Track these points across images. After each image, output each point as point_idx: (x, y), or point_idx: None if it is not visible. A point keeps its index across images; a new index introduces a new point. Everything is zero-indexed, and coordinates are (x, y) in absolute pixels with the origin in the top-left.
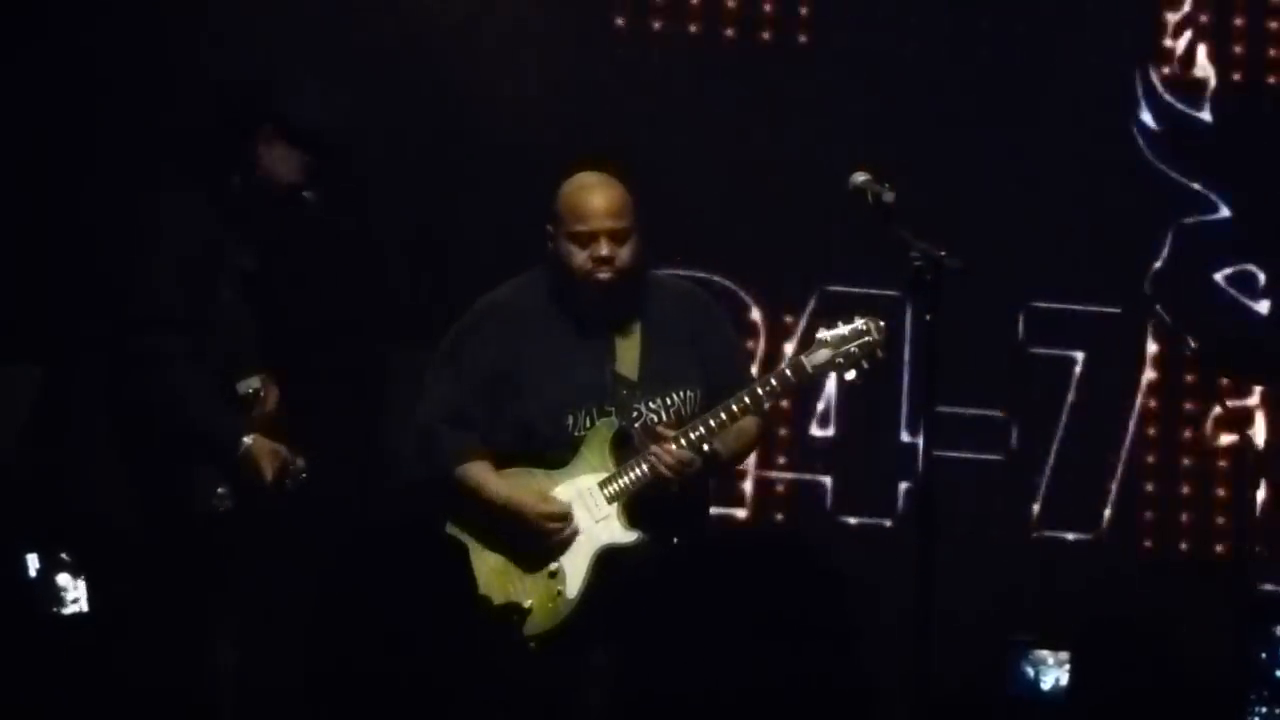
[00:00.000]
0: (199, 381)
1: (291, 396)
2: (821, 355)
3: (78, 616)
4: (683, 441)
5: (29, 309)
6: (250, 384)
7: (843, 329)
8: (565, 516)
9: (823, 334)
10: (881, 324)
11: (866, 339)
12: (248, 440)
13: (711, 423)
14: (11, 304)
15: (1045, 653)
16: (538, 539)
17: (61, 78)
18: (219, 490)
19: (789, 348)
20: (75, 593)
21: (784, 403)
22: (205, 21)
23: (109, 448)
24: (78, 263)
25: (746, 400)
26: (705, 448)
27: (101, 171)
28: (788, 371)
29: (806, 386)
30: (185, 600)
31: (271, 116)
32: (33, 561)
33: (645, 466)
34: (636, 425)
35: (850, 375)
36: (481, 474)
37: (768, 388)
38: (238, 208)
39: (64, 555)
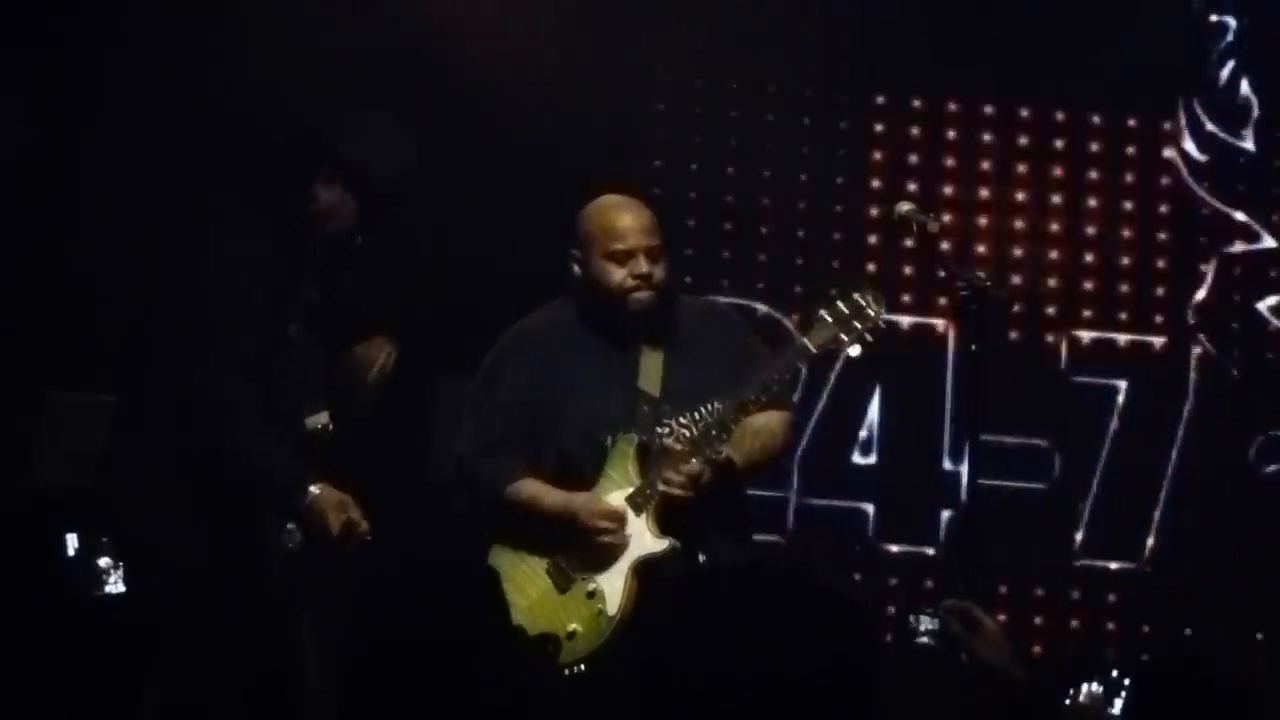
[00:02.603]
0: (261, 431)
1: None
2: (824, 333)
3: (115, 597)
4: (687, 459)
5: (105, 339)
6: (319, 419)
7: (842, 306)
8: (621, 517)
9: (823, 313)
10: (880, 295)
11: (868, 312)
12: (315, 490)
13: (713, 429)
14: (88, 334)
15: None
16: (589, 549)
17: (139, 116)
18: (288, 527)
19: (832, 375)
20: (114, 575)
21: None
22: (277, 65)
23: (176, 481)
24: (151, 294)
25: (750, 395)
26: (713, 455)
27: (179, 204)
28: (791, 355)
29: (812, 367)
30: (251, 629)
31: (332, 160)
32: (72, 541)
33: (658, 488)
34: (658, 439)
35: (855, 351)
36: (532, 487)
37: (775, 374)
38: (300, 244)
39: (104, 539)
